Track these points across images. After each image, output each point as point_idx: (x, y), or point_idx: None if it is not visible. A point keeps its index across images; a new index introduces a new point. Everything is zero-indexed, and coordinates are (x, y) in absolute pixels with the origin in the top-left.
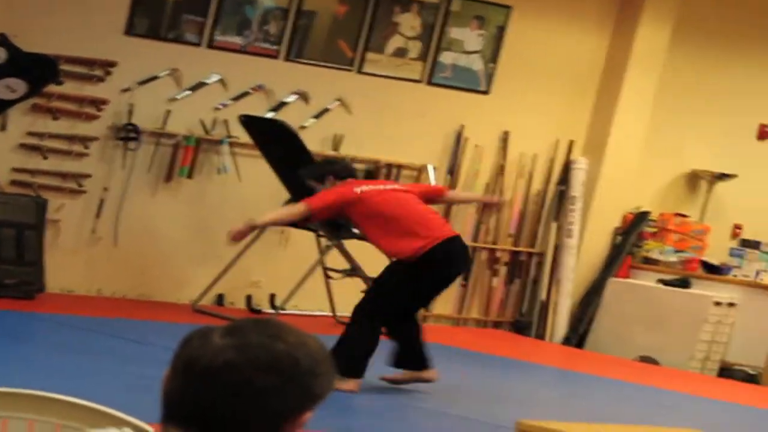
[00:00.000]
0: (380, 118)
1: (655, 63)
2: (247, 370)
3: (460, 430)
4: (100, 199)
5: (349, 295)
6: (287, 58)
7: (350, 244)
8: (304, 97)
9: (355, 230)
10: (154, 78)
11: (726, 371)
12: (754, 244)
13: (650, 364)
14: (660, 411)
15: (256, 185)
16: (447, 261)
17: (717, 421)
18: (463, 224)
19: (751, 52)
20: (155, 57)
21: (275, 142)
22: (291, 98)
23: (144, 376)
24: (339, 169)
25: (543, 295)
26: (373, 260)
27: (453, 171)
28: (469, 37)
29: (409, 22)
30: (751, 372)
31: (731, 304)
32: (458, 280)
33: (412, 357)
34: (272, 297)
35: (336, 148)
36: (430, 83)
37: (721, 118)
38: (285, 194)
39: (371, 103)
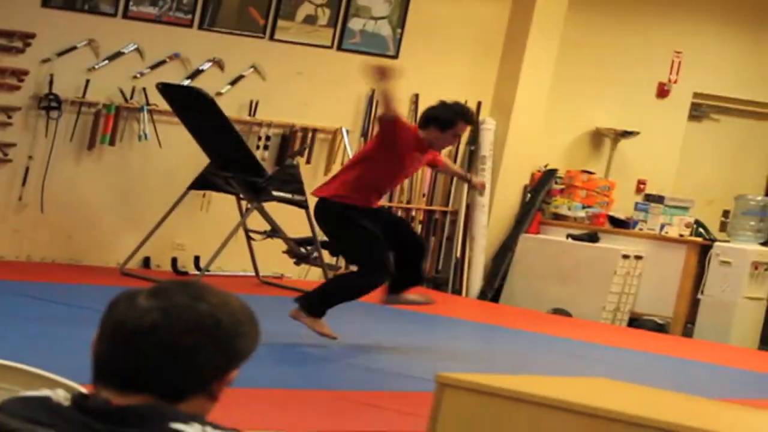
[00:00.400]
0: (294, 84)
1: (556, 25)
2: (172, 331)
3: (382, 384)
4: (26, 168)
5: (271, 255)
6: (201, 27)
7: (270, 207)
8: (219, 64)
9: (275, 193)
10: (72, 48)
11: (635, 321)
12: (658, 199)
13: (563, 316)
14: (573, 360)
15: (176, 151)
16: None
17: (628, 369)
18: None
19: (648, 13)
20: (72, 28)
21: (193, 108)
22: (206, 66)
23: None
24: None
25: (458, 252)
26: (293, 221)
27: (366, 134)
28: (377, 3)
29: None
30: (659, 321)
31: (638, 257)
32: None
33: None
34: (197, 259)
35: (252, 113)
36: (340, 49)
37: (622, 77)
38: (205, 159)
39: (284, 70)
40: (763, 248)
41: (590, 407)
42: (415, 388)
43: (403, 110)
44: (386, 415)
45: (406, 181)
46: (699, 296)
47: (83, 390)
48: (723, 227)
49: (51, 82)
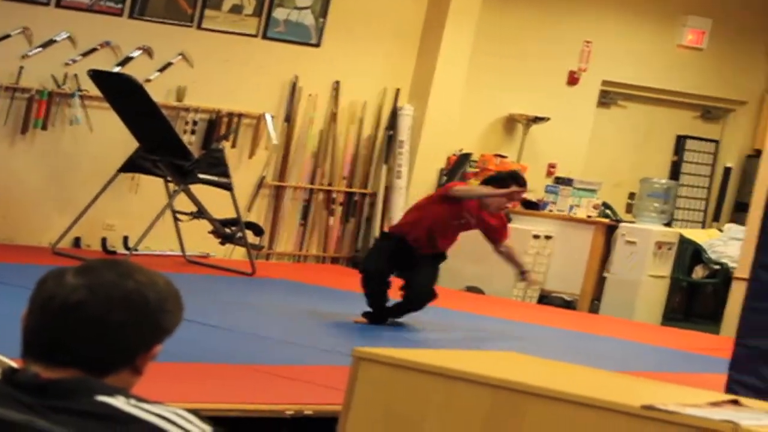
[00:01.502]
0: (220, 71)
1: (472, 15)
2: (99, 308)
3: (303, 358)
4: None
5: (197, 235)
6: (131, 16)
7: (196, 189)
8: (148, 52)
9: (201, 176)
10: (6, 36)
11: (545, 298)
12: (567, 181)
13: (476, 293)
14: (485, 336)
15: (106, 135)
16: None
17: (537, 344)
18: (300, 168)
19: (559, 5)
20: (7, 16)
21: (122, 94)
22: (136, 53)
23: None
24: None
25: (376, 232)
26: (218, 203)
27: (289, 119)
28: None
29: None
30: (567, 298)
31: (548, 237)
32: (297, 220)
33: None
34: (125, 239)
35: (180, 99)
36: (265, 37)
37: (534, 66)
38: (134, 143)
39: (211, 57)
40: (667, 229)
41: (499, 379)
42: (335, 362)
43: (324, 98)
44: (306, 388)
45: (327, 165)
46: (605, 274)
47: (13, 364)
48: (629, 209)
49: None
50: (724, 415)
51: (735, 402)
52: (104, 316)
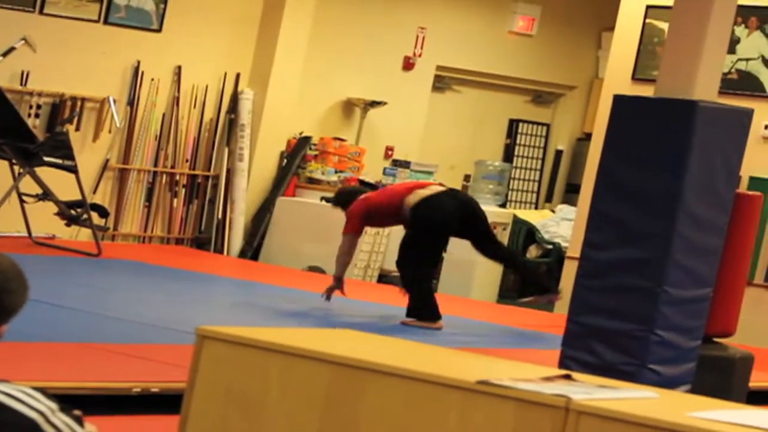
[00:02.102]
0: (63, 56)
1: (310, 1)
2: None
3: (149, 337)
4: None
5: (43, 217)
6: None
7: (42, 171)
8: None
9: (46, 158)
10: None
11: (385, 277)
12: (405, 164)
13: (317, 273)
14: (326, 314)
15: None
16: None
17: (377, 322)
18: (143, 151)
19: None
20: None
21: None
22: None
23: None
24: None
25: (219, 214)
26: (64, 185)
27: (132, 103)
28: None
29: None
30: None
31: None
32: (142, 202)
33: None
34: None
35: (23, 83)
36: (106, 23)
37: (371, 51)
38: None
39: (54, 42)
40: (501, 210)
41: (338, 356)
42: (179, 341)
43: (166, 83)
44: (152, 366)
45: (170, 148)
46: (443, 254)
47: None
48: (464, 190)
49: None
50: (557, 389)
51: (567, 377)
52: None
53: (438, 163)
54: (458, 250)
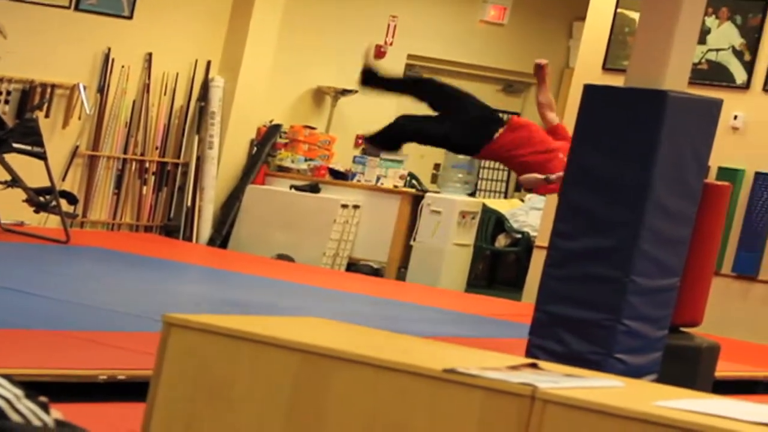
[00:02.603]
0: (33, 42)
1: None
2: None
3: (117, 324)
4: None
5: (12, 204)
6: None
7: (11, 158)
8: None
9: (15, 145)
10: None
11: (353, 266)
12: (375, 152)
13: (286, 261)
14: (294, 302)
15: None
16: None
17: (345, 310)
18: (113, 138)
19: None
20: None
21: None
22: None
23: None
24: None
25: (189, 202)
26: (33, 172)
27: (102, 90)
28: None
29: None
30: (375, 266)
31: (356, 206)
32: (111, 189)
33: None
34: None
35: None
36: (77, 9)
37: (342, 40)
38: None
39: (24, 28)
40: (470, 199)
41: (306, 344)
42: (148, 329)
43: (136, 70)
44: (119, 354)
45: (140, 135)
46: (411, 243)
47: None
48: (434, 179)
49: None
50: (523, 377)
51: (534, 365)
52: None
53: (408, 153)
54: (426, 239)
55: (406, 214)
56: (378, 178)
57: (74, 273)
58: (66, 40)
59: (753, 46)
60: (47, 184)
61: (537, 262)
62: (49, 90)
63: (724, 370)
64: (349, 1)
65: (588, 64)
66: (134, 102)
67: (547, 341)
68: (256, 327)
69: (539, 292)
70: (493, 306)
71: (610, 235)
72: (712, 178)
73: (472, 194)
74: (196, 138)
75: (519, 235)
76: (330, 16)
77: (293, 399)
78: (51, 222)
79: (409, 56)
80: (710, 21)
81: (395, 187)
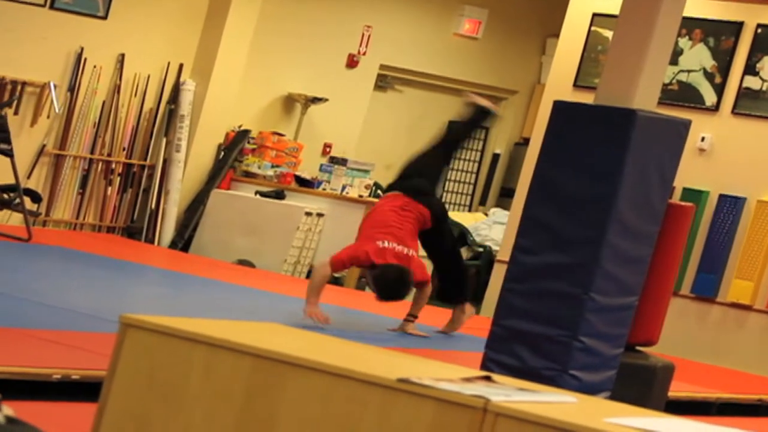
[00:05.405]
0: (6, 39)
1: None
2: None
3: (73, 324)
4: None
5: None
6: None
7: None
8: None
9: None
10: None
11: None
12: (342, 161)
13: (248, 266)
14: (253, 307)
15: None
16: None
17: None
18: (81, 138)
19: None
20: None
21: None
22: None
23: None
24: None
25: (153, 204)
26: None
27: (73, 89)
28: None
29: None
30: (336, 275)
31: (320, 215)
32: (76, 189)
33: None
34: None
35: None
36: (52, 8)
37: (315, 48)
38: None
39: None
40: None
41: (259, 349)
42: (105, 329)
43: (108, 70)
44: (74, 353)
45: (108, 135)
46: None
47: None
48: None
49: None
50: (476, 390)
51: (487, 378)
52: None
53: (374, 162)
54: None
55: None
56: (344, 187)
57: (34, 271)
58: (39, 38)
59: (724, 68)
60: (12, 181)
61: (497, 276)
62: (19, 87)
63: (677, 390)
64: (324, 10)
65: (559, 81)
66: (104, 102)
67: (503, 355)
68: (210, 330)
69: (497, 306)
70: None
71: (571, 252)
72: (676, 198)
73: None
74: (164, 141)
75: (481, 249)
76: (305, 24)
77: (245, 403)
78: (14, 219)
79: (382, 66)
80: (683, 42)
81: (360, 196)
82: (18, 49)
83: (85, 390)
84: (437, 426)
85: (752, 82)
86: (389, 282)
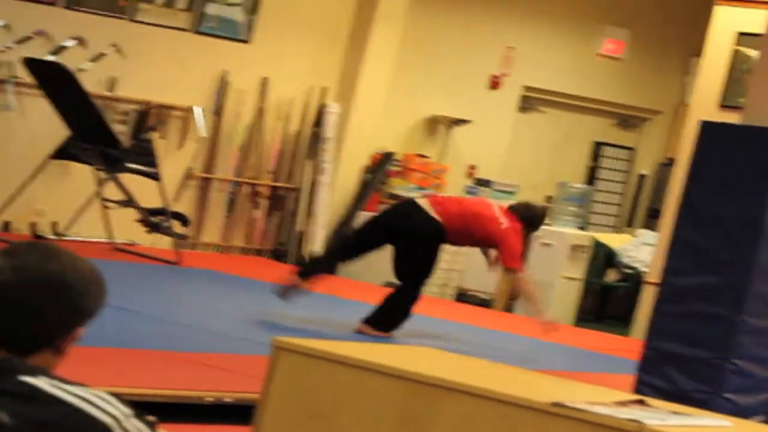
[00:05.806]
0: (151, 63)
1: (399, 16)
2: (22, 289)
3: (224, 347)
4: None
5: (124, 223)
6: (67, 6)
7: (126, 177)
8: (82, 42)
9: (130, 165)
10: None
11: (462, 296)
12: (487, 183)
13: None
14: (404, 332)
15: (38, 122)
16: None
17: (454, 341)
18: (226, 161)
19: (484, 11)
20: None
21: (55, 82)
22: (70, 43)
23: None
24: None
25: (299, 226)
26: (147, 192)
27: (218, 113)
28: None
29: None
30: (484, 297)
31: None
32: (223, 212)
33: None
34: (54, 224)
35: (111, 89)
36: (197, 32)
37: (457, 69)
38: (64, 131)
39: (143, 49)
40: (582, 232)
41: (413, 373)
42: (255, 352)
43: (251, 94)
44: (226, 376)
45: (254, 159)
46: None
47: None
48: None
49: None
50: (630, 414)
51: (641, 402)
52: (26, 298)
53: (519, 184)
54: (537, 270)
55: None
56: None
57: (183, 294)
58: (184, 62)
59: None
60: (160, 204)
61: (647, 297)
62: (165, 112)
63: None
64: (466, 31)
65: (704, 101)
66: (249, 126)
67: (655, 378)
68: (363, 354)
69: (649, 328)
70: (601, 341)
71: (722, 273)
72: None
73: (583, 228)
74: (309, 164)
75: (629, 271)
76: (447, 46)
77: (398, 427)
78: (163, 243)
79: (525, 87)
80: None
81: None
82: (164, 74)
83: (238, 413)
84: None
85: None
86: (537, 210)
